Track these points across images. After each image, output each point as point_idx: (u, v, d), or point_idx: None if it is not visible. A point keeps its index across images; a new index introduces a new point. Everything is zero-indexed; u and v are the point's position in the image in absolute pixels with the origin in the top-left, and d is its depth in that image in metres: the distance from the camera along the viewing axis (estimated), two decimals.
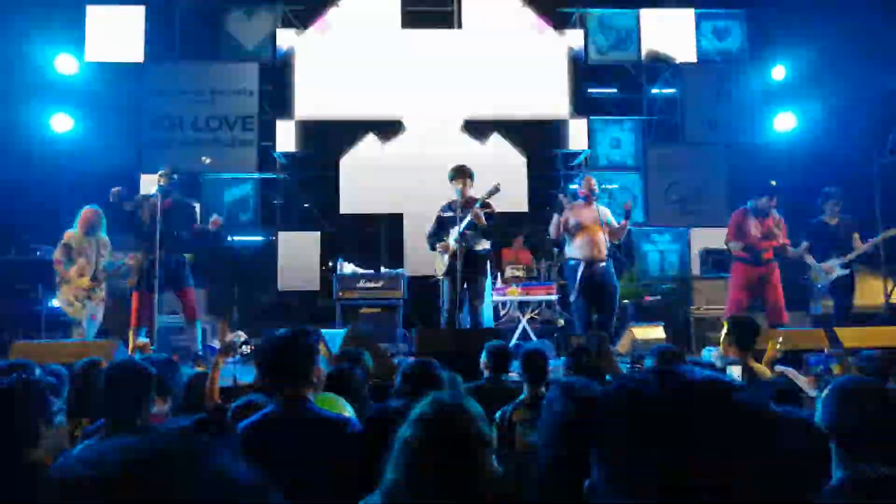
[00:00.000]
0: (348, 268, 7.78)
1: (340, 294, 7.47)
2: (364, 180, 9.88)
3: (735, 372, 3.76)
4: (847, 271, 6.55)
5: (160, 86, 9.83)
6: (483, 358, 4.01)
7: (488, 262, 6.55)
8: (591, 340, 3.71)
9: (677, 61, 10.37)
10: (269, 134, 9.98)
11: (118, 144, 9.56)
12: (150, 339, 5.76)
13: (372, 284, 7.52)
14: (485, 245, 6.16)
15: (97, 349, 4.62)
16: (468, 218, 5.90)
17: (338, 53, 10.01)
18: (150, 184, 7.18)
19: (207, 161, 6.78)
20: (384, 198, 9.78)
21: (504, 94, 9.99)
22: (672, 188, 10.14)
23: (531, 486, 1.97)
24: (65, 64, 8.69)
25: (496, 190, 5.96)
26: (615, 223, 6.39)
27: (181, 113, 9.78)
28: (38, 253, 7.41)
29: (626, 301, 8.24)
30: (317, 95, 9.94)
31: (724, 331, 4.20)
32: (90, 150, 9.41)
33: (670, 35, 10.42)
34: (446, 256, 6.06)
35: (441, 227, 6.20)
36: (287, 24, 10.20)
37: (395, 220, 9.95)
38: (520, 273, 8.19)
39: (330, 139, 10.04)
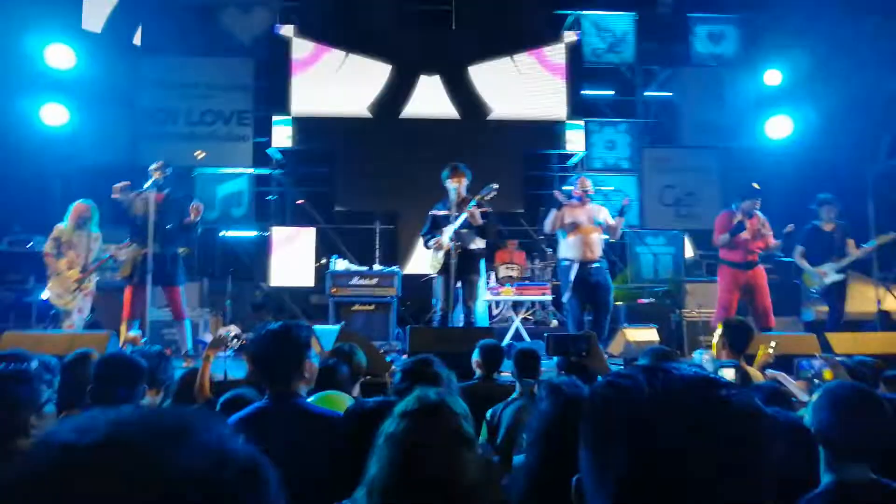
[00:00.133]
0: (342, 264, 7.77)
1: (333, 291, 7.45)
2: (359, 177, 9.88)
3: (727, 375, 3.77)
4: (841, 277, 6.58)
5: (155, 79, 9.79)
6: (475, 356, 4.01)
7: (482, 261, 6.55)
8: (580, 341, 3.71)
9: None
10: (264, 129, 9.96)
11: (112, 137, 9.53)
12: (143, 331, 5.75)
13: (365, 282, 7.50)
14: (479, 244, 6.16)
15: (89, 341, 4.60)
16: (463, 216, 5.90)
17: (334, 51, 9.99)
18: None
19: (201, 156, 6.75)
20: (379, 195, 9.78)
21: (500, 94, 10.00)
22: (666, 191, 10.17)
23: (520, 485, 1.97)
24: (59, 56, 8.62)
25: (491, 189, 5.96)
26: (610, 220, 6.41)
27: (176, 107, 9.75)
28: (30, 244, 7.38)
29: (619, 303, 8.26)
30: (312, 91, 9.92)
31: (718, 333, 4.21)
32: (84, 142, 9.38)
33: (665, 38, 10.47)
34: (440, 254, 6.06)
35: (435, 226, 6.20)
36: (284, 19, 10.18)
37: (390, 218, 9.94)
38: (514, 273, 8.20)
39: (325, 135, 10.02)
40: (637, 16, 10.46)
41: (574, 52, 10.32)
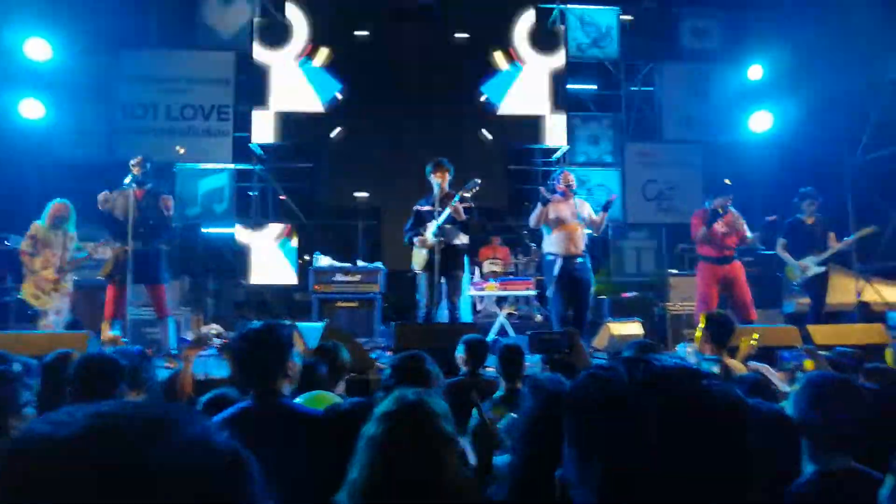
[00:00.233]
0: (325, 261, 7.71)
1: (316, 287, 7.40)
2: (341, 173, 9.83)
3: (710, 368, 3.80)
4: (823, 269, 6.66)
5: (134, 73, 9.66)
6: (460, 352, 3.99)
7: (466, 256, 6.55)
8: (562, 338, 3.72)
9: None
10: (245, 124, 9.87)
11: (90, 132, 9.40)
12: (123, 331, 5.67)
13: (349, 278, 7.46)
14: (463, 239, 6.15)
15: (69, 341, 4.53)
16: (447, 212, 5.88)
17: (316, 43, 9.92)
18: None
19: (181, 151, 6.66)
20: (362, 191, 9.74)
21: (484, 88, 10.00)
22: (649, 185, 10.22)
23: (505, 483, 1.97)
24: (35, 49, 8.46)
25: (475, 184, 5.95)
26: (594, 215, 6.43)
27: (155, 101, 9.63)
28: (7, 243, 7.26)
29: (602, 297, 8.30)
30: (293, 87, 9.84)
31: (700, 327, 4.23)
32: (61, 137, 9.24)
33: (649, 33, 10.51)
34: (424, 251, 6.04)
35: (419, 221, 6.17)
36: (264, 13, 10.09)
37: (373, 213, 9.91)
38: (498, 268, 8.20)
39: (307, 131, 9.95)
40: (621, 10, 10.49)
41: (558, 46, 10.33)
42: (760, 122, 9.71)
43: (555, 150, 10.51)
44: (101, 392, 2.34)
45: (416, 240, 6.13)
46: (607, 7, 10.52)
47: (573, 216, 6.25)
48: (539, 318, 8.31)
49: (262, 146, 9.96)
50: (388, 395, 1.74)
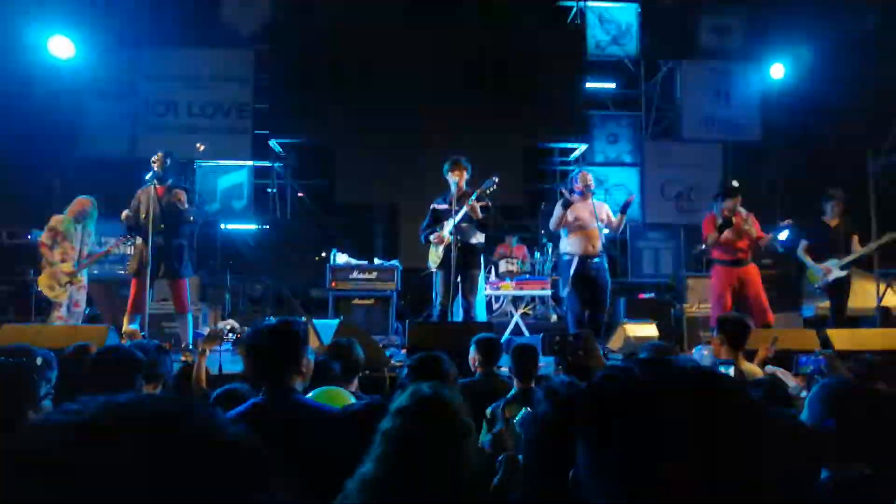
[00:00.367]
0: (342, 258, 7.75)
1: (333, 284, 7.44)
2: (359, 170, 9.85)
3: (726, 372, 3.76)
4: (845, 273, 6.56)
5: (156, 71, 9.77)
6: (472, 352, 3.98)
7: (482, 255, 6.54)
8: (576, 340, 3.70)
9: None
10: (264, 122, 9.94)
11: (113, 129, 9.53)
12: (142, 325, 5.74)
13: (365, 275, 7.49)
14: (479, 238, 6.14)
15: (88, 334, 4.60)
16: (463, 210, 5.87)
17: (334, 42, 9.94)
18: None
19: (201, 148, 6.73)
20: (380, 188, 9.76)
21: (502, 86, 9.94)
22: (668, 185, 10.14)
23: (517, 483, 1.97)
24: (59, 46, 8.59)
25: (492, 183, 5.93)
26: (612, 217, 6.39)
27: (176, 99, 9.73)
28: (30, 237, 7.38)
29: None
30: (313, 84, 9.87)
31: (716, 330, 4.20)
32: (85, 134, 9.38)
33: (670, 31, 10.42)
34: (440, 249, 6.04)
35: (435, 220, 6.17)
36: (283, 11, 10.14)
37: (390, 211, 9.93)
38: (514, 268, 8.18)
39: (325, 128, 9.98)
40: (641, 8, 10.40)
41: (577, 44, 10.27)
42: (782, 121, 9.58)
43: (573, 150, 10.45)
44: (117, 385, 2.37)
45: (432, 238, 6.13)
46: (627, 3, 10.43)
47: (591, 216, 6.21)
48: (554, 318, 8.28)
49: (280, 144, 10.02)
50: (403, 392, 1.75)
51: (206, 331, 5.64)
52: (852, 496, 1.86)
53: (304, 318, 4.99)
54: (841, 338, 5.28)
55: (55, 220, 6.19)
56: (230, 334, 3.68)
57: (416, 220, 6.73)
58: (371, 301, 7.37)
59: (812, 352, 4.05)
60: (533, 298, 8.21)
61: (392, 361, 5.26)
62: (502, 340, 4.97)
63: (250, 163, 9.89)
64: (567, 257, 6.31)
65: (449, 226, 5.96)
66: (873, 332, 6.05)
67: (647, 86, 10.60)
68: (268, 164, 10.16)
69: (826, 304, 6.92)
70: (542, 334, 5.94)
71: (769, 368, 3.94)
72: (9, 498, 0.52)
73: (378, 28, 10.02)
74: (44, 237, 6.15)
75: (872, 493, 1.84)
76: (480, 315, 7.07)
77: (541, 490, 1.82)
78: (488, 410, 3.36)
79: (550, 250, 8.52)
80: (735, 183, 6.37)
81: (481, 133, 9.53)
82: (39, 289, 6.09)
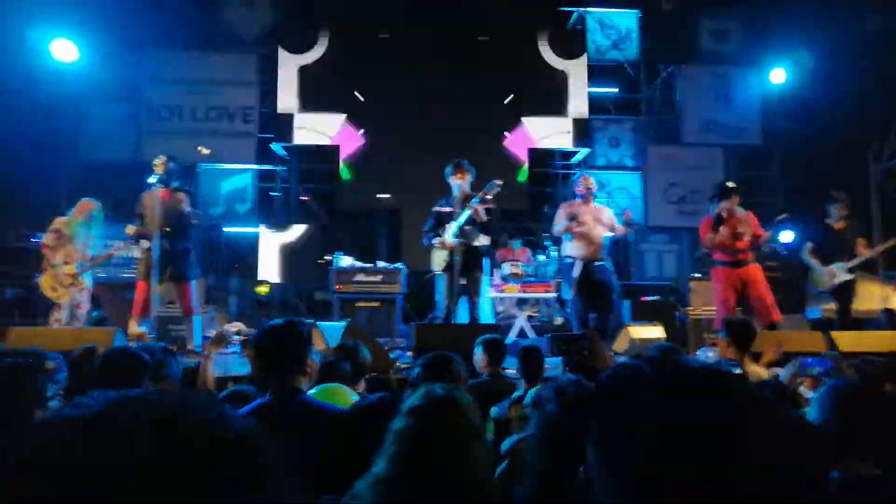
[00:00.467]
0: (346, 261, 7.76)
1: (338, 287, 7.45)
2: (363, 174, 9.87)
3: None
4: (851, 276, 6.54)
5: (159, 75, 9.80)
6: (478, 353, 3.99)
7: (486, 257, 6.54)
8: (581, 340, 3.71)
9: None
10: (267, 125, 9.97)
11: (117, 133, 9.56)
12: (149, 328, 5.75)
13: (370, 278, 7.50)
14: (483, 241, 6.14)
15: (95, 336, 4.61)
16: (467, 213, 5.88)
17: (336, 46, 9.97)
18: None
19: (205, 152, 6.74)
20: (383, 192, 9.78)
21: (504, 90, 9.97)
22: (671, 189, 10.14)
23: (527, 485, 1.97)
24: (62, 50, 8.62)
25: (495, 186, 5.94)
26: (615, 223, 6.38)
27: (180, 102, 9.76)
28: (35, 240, 7.41)
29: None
30: (316, 88, 9.91)
31: (722, 332, 4.19)
32: (89, 138, 9.41)
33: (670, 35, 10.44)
34: (444, 251, 6.05)
35: (439, 223, 6.18)
36: (286, 15, 10.18)
37: (394, 214, 9.95)
38: (518, 270, 8.18)
39: (328, 131, 10.01)
40: (641, 13, 10.43)
41: (578, 49, 10.29)
42: (783, 124, 9.58)
43: (575, 153, 10.46)
44: (123, 386, 2.37)
45: (435, 241, 6.13)
46: (627, 10, 10.45)
47: (593, 220, 6.21)
48: (559, 320, 8.27)
49: (284, 147, 10.05)
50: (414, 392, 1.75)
51: (212, 333, 5.66)
52: (860, 497, 1.85)
53: (310, 320, 4.99)
54: (846, 340, 5.27)
55: (59, 221, 6.22)
56: (236, 336, 3.69)
57: (420, 223, 6.74)
58: (376, 303, 7.38)
59: (818, 354, 4.05)
60: (537, 301, 8.20)
61: (397, 364, 5.26)
62: (507, 342, 4.97)
63: (254, 166, 9.91)
64: (570, 260, 6.31)
65: (452, 229, 5.97)
66: (879, 334, 6.03)
67: (648, 90, 10.62)
68: (271, 168, 10.18)
69: (831, 306, 6.90)
70: (547, 335, 5.93)
71: (776, 370, 3.94)
72: (20, 495, 0.52)
73: (378, 31, 10.05)
74: (47, 239, 6.18)
75: (880, 494, 1.84)
76: (485, 317, 7.07)
77: (550, 489, 1.82)
78: (493, 411, 3.37)
79: (553, 253, 8.52)
80: (730, 183, 6.31)
81: (484, 136, 9.56)
82: (41, 290, 6.11)
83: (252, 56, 9.99)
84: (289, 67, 10.07)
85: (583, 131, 10.29)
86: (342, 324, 5.54)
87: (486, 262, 6.59)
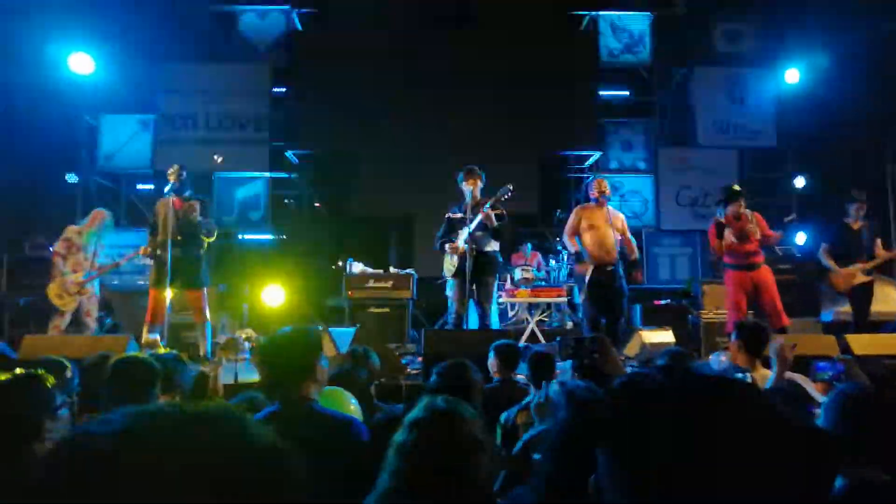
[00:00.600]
0: (357, 267, 7.79)
1: (349, 293, 7.48)
2: (375, 181, 9.90)
3: (744, 378, 3.72)
4: (870, 277, 6.47)
5: (173, 85, 9.91)
6: (491, 358, 4.00)
7: (498, 263, 6.54)
8: (592, 343, 3.69)
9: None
10: (280, 133, 10.05)
11: (132, 142, 9.68)
12: (162, 335, 5.80)
13: (381, 284, 7.52)
14: (494, 246, 6.14)
15: (109, 344, 4.65)
16: (478, 219, 5.88)
17: (349, 54, 10.02)
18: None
19: (219, 160, 6.81)
20: (395, 198, 9.80)
21: (516, 95, 9.95)
22: (683, 191, 10.09)
23: (538, 491, 1.97)
24: (79, 63, 8.74)
25: (506, 191, 5.94)
26: (627, 231, 6.37)
27: (194, 111, 9.86)
28: (50, 250, 7.51)
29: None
30: (328, 96, 9.96)
31: (734, 335, 4.16)
32: (104, 147, 9.53)
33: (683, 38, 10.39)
34: (455, 257, 6.05)
35: (451, 229, 6.19)
36: (301, 25, 10.27)
37: (406, 220, 9.97)
38: (529, 275, 8.17)
39: (341, 140, 10.06)
40: (653, 16, 10.40)
41: (590, 52, 10.27)
42: (798, 126, 9.51)
43: (587, 157, 10.43)
44: (134, 394, 2.41)
45: (447, 247, 6.14)
46: (640, 12, 10.43)
47: (606, 223, 6.19)
48: (570, 325, 8.25)
49: (297, 154, 10.11)
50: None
51: (223, 340, 5.70)
52: (869, 502, 1.83)
53: (320, 327, 5.02)
54: (861, 343, 5.21)
55: (71, 230, 6.32)
56: (247, 343, 3.72)
57: (431, 229, 6.75)
58: (387, 309, 7.40)
59: (830, 358, 4.00)
60: (549, 305, 8.18)
61: (408, 370, 5.27)
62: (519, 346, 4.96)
63: (267, 174, 9.98)
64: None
65: (464, 234, 5.98)
66: (894, 337, 5.96)
67: (661, 93, 10.57)
68: (284, 175, 10.25)
69: (846, 308, 6.83)
70: (558, 338, 5.91)
71: (788, 374, 3.90)
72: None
73: (390, 38, 10.09)
74: (59, 247, 6.29)
75: (889, 500, 1.82)
76: (494, 323, 7.07)
77: (561, 496, 1.81)
78: (502, 417, 3.37)
79: (566, 258, 8.50)
80: (736, 187, 6.30)
81: (496, 142, 9.55)
82: (48, 297, 6.21)
83: (264, 64, 10.07)
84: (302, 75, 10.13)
85: (595, 135, 10.25)
86: (352, 330, 5.57)
87: (497, 267, 6.59)
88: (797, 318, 6.48)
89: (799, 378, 3.79)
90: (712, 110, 10.26)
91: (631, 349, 6.14)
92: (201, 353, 6.00)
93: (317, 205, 10.50)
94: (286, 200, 10.49)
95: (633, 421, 0.76)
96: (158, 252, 5.93)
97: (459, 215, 6.13)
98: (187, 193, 6.11)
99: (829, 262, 6.63)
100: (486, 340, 4.54)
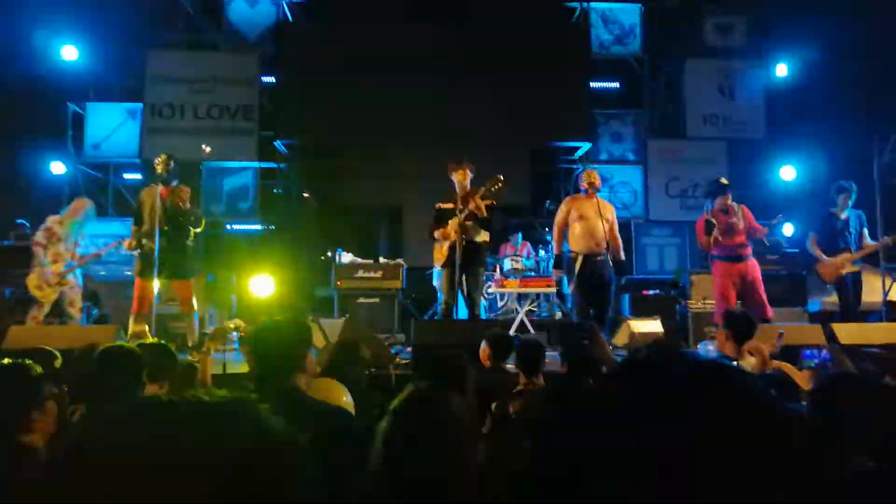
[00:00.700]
0: (347, 257, 7.78)
1: (339, 283, 7.47)
2: (364, 170, 9.86)
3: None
4: (858, 267, 6.54)
5: (162, 74, 9.81)
6: (484, 347, 4.01)
7: (487, 253, 6.55)
8: (581, 331, 3.71)
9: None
10: (269, 123, 9.98)
11: (119, 132, 9.59)
12: (150, 325, 5.77)
13: (371, 274, 7.52)
14: (484, 236, 6.15)
15: (96, 335, 4.62)
16: (468, 209, 5.89)
17: (339, 44, 9.95)
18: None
19: (208, 150, 6.76)
20: (384, 188, 9.77)
21: (507, 86, 9.93)
22: (672, 182, 10.13)
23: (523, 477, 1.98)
24: (64, 50, 8.66)
25: (498, 181, 5.95)
26: (615, 224, 6.40)
27: (182, 101, 9.77)
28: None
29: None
30: (317, 86, 9.89)
31: (721, 325, 4.19)
32: (91, 135, 9.44)
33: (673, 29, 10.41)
34: (445, 246, 6.05)
35: (441, 219, 6.19)
36: (287, 14, 10.18)
37: (395, 210, 9.95)
38: (519, 266, 8.19)
39: (330, 129, 10.00)
40: (644, 8, 10.40)
41: (581, 43, 10.26)
42: (785, 119, 9.57)
43: (577, 148, 10.44)
44: (121, 384, 2.39)
45: (436, 234, 6.15)
46: (631, 4, 10.42)
47: (595, 214, 6.22)
48: (559, 315, 8.28)
49: (285, 144, 10.05)
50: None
51: (211, 330, 5.68)
52: (855, 490, 1.86)
53: (309, 317, 5.01)
54: (847, 332, 5.26)
55: (53, 220, 6.26)
56: (236, 333, 3.70)
57: (421, 219, 6.74)
58: (376, 299, 7.40)
59: (817, 346, 4.04)
60: (538, 296, 8.21)
61: (398, 359, 5.27)
62: None
63: (256, 164, 9.92)
64: (572, 254, 6.32)
65: (454, 225, 5.98)
66: (879, 326, 6.01)
67: (651, 84, 10.59)
68: (273, 166, 10.19)
69: (832, 298, 6.89)
70: (547, 330, 5.94)
71: (775, 363, 3.93)
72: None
73: (381, 28, 10.02)
74: (40, 237, 6.21)
75: (875, 487, 1.84)
76: (484, 313, 7.09)
77: (548, 487, 1.82)
78: (492, 406, 3.38)
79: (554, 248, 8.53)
80: (723, 180, 6.35)
81: (486, 133, 9.53)
82: (27, 288, 6.14)
83: (253, 54, 9.99)
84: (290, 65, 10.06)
85: (585, 126, 10.26)
86: (341, 320, 5.56)
87: (486, 258, 6.60)
88: (784, 308, 6.54)
89: (786, 366, 3.83)
90: (702, 102, 10.29)
91: (620, 339, 6.17)
92: (189, 344, 5.98)
93: (306, 195, 10.45)
94: (275, 190, 10.43)
95: (622, 414, 0.76)
96: (144, 242, 5.88)
97: (449, 205, 6.13)
98: (174, 182, 6.07)
99: (816, 252, 6.69)
100: (477, 330, 4.56)
